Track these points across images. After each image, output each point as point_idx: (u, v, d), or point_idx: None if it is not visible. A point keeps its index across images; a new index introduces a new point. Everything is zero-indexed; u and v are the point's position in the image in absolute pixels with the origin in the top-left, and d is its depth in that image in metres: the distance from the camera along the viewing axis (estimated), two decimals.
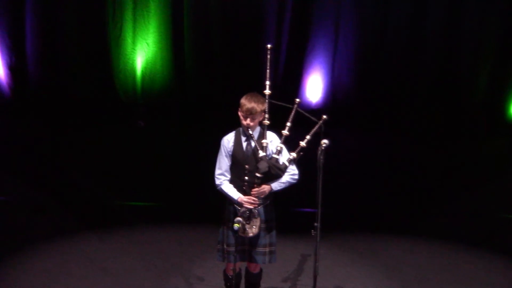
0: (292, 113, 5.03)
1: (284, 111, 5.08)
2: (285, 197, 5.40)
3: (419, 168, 9.18)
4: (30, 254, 6.74)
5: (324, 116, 5.01)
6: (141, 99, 9.78)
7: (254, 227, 4.94)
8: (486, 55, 9.54)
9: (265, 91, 5.04)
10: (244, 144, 5.00)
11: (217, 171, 5.05)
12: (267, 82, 5.08)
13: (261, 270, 5.37)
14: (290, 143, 4.99)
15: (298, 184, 5.13)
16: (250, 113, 4.87)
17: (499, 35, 9.47)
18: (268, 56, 5.17)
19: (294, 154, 4.92)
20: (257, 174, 4.87)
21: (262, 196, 4.95)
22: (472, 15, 9.42)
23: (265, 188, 4.93)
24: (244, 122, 4.91)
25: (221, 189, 5.04)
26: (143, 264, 6.57)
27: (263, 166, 4.83)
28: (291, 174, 5.00)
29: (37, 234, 7.36)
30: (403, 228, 8.01)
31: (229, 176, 5.05)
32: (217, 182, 5.05)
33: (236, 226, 4.80)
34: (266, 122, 4.97)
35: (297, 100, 5.12)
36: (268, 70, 5.13)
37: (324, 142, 4.82)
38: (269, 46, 5.25)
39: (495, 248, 7.41)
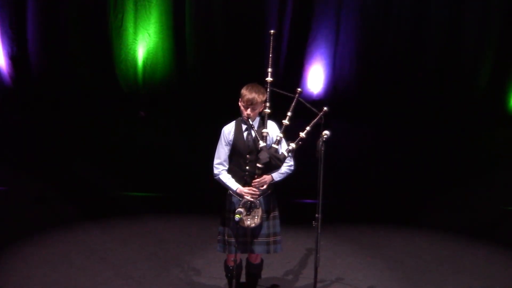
0: (293, 103, 5.01)
1: (285, 101, 5.05)
2: (286, 188, 5.38)
3: (420, 159, 9.16)
4: (31, 244, 6.74)
5: (325, 108, 4.98)
6: (142, 90, 9.76)
7: (255, 217, 4.92)
8: (488, 46, 9.52)
9: (267, 79, 5.01)
10: (245, 134, 4.98)
11: (216, 161, 5.03)
12: (269, 69, 5.05)
13: (262, 261, 5.37)
14: (290, 133, 4.96)
15: (299, 175, 5.11)
16: (250, 104, 4.85)
17: (502, 26, 9.44)
18: (271, 42, 5.14)
19: (293, 145, 4.90)
20: (258, 165, 4.85)
21: (263, 187, 4.93)
22: (475, 3, 9.39)
23: (266, 178, 4.91)
24: (245, 113, 4.89)
25: (219, 179, 5.02)
26: (144, 254, 6.57)
27: (264, 156, 4.81)
28: (288, 165, 4.99)
29: (38, 225, 7.36)
30: (405, 219, 8.01)
31: (227, 166, 5.03)
32: (216, 171, 5.03)
33: (237, 217, 4.77)
34: (267, 111, 4.94)
35: (299, 90, 5.09)
36: (270, 56, 5.09)
37: (325, 133, 4.81)
38: (272, 31, 5.23)
39: (496, 239, 7.41)
